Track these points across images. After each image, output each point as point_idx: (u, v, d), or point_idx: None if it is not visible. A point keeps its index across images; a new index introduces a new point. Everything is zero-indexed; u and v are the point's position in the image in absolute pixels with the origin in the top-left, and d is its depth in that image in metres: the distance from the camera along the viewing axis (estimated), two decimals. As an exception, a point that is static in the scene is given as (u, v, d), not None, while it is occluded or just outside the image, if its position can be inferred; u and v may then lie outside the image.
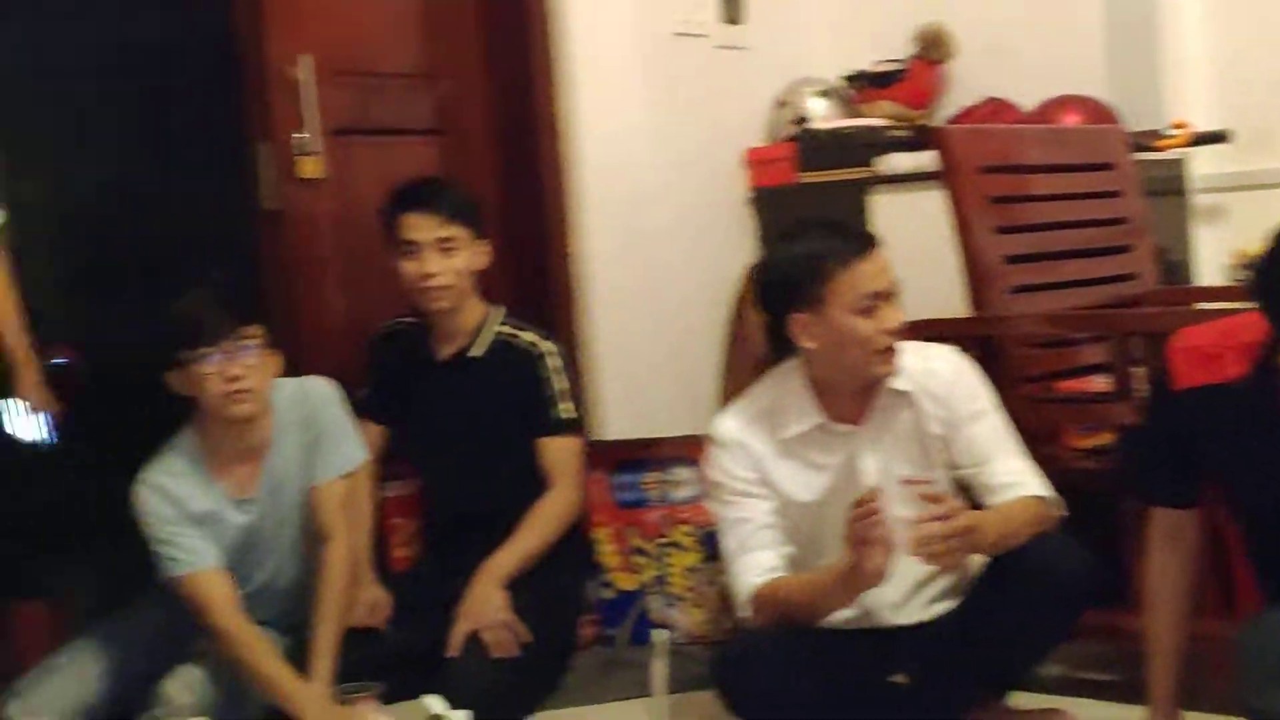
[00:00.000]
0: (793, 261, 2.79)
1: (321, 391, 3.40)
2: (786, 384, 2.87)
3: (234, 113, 4.02)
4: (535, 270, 4.02)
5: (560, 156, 4.07)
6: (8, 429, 3.52)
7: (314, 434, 3.35)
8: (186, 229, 5.17)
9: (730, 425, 2.87)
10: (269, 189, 3.79)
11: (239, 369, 3.18)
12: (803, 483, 2.83)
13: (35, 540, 3.64)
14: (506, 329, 3.54)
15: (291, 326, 3.72)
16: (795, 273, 2.76)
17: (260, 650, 3.16)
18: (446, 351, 3.53)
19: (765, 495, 2.82)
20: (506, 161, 4.12)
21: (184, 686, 3.19)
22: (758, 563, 2.76)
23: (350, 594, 3.32)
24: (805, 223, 2.94)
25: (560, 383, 3.50)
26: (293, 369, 3.43)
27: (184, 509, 3.26)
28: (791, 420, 2.83)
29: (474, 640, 3.25)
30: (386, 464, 3.61)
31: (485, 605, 3.28)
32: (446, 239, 3.44)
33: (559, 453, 3.47)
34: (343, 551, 3.28)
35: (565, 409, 3.49)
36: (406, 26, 4.07)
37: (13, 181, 5.02)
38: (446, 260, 3.43)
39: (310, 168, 3.80)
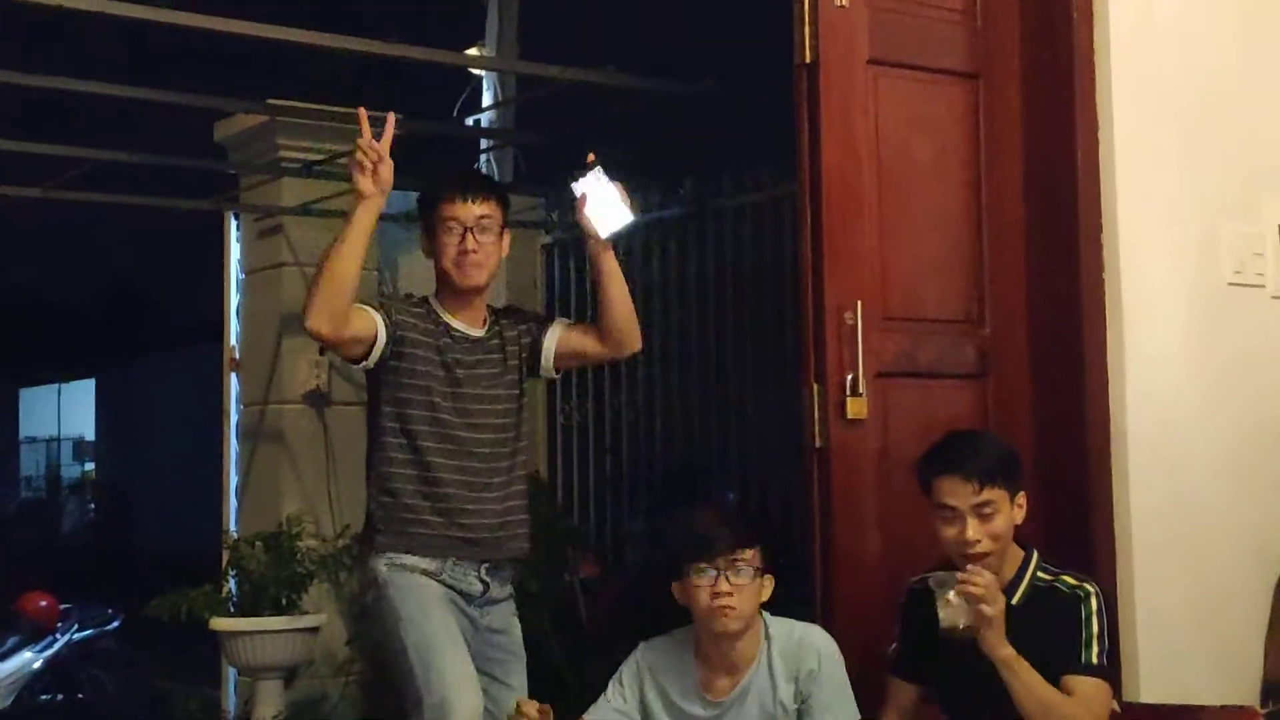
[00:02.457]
0: None
1: (821, 644, 3.49)
2: None
3: (779, 352, 4.28)
4: (1074, 518, 3.98)
5: (1105, 405, 4.05)
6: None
7: (808, 687, 3.44)
8: (726, 454, 5.49)
9: None
10: (820, 429, 3.91)
11: (729, 587, 3.40)
12: None
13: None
14: (1045, 577, 3.47)
15: (826, 565, 3.84)
16: None
17: None
18: None
19: None
20: (1048, 406, 4.12)
21: None
22: None
23: None
24: None
25: (1097, 625, 3.38)
26: (820, 602, 3.64)
27: (659, 688, 3.55)
28: None
29: None
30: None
31: None
32: (982, 504, 3.40)
33: (1084, 690, 3.33)
34: None
35: (1096, 653, 3.36)
36: (954, 274, 4.17)
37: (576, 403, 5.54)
38: (984, 525, 3.38)
39: (856, 408, 3.90)
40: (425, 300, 3.77)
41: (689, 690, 3.58)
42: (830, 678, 3.46)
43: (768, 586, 3.53)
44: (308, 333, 3.56)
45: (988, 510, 3.40)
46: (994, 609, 3.26)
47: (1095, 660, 3.37)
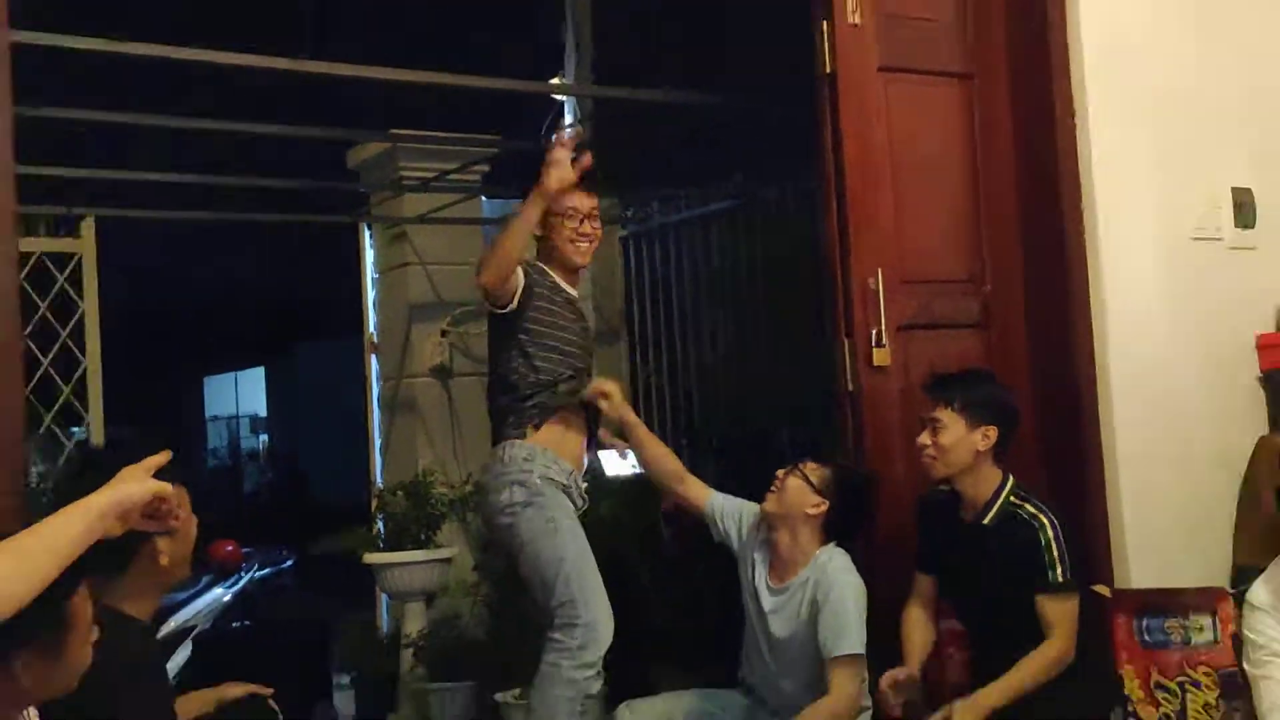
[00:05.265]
0: None
1: (837, 575, 3.49)
2: None
3: (815, 315, 4.30)
4: (1069, 438, 3.97)
5: (1090, 343, 4.05)
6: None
7: (820, 606, 3.45)
8: (781, 404, 5.53)
9: (1265, 593, 2.77)
10: (851, 375, 3.95)
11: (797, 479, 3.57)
12: None
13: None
14: (1015, 502, 3.49)
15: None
16: None
17: None
18: (969, 517, 3.54)
19: None
20: (1042, 347, 4.11)
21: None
22: None
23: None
24: None
25: (1056, 550, 3.40)
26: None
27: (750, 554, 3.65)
28: None
29: None
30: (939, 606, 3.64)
31: None
32: (933, 419, 3.49)
33: (1054, 611, 3.38)
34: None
35: (1060, 573, 3.39)
36: (958, 242, 4.17)
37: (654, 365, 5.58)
38: (931, 436, 3.48)
39: (880, 357, 3.93)
40: (539, 266, 3.80)
41: (763, 565, 3.65)
42: (836, 604, 3.44)
43: (819, 505, 3.55)
44: (479, 286, 3.66)
45: (937, 425, 3.47)
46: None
47: (1060, 579, 3.39)
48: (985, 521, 3.48)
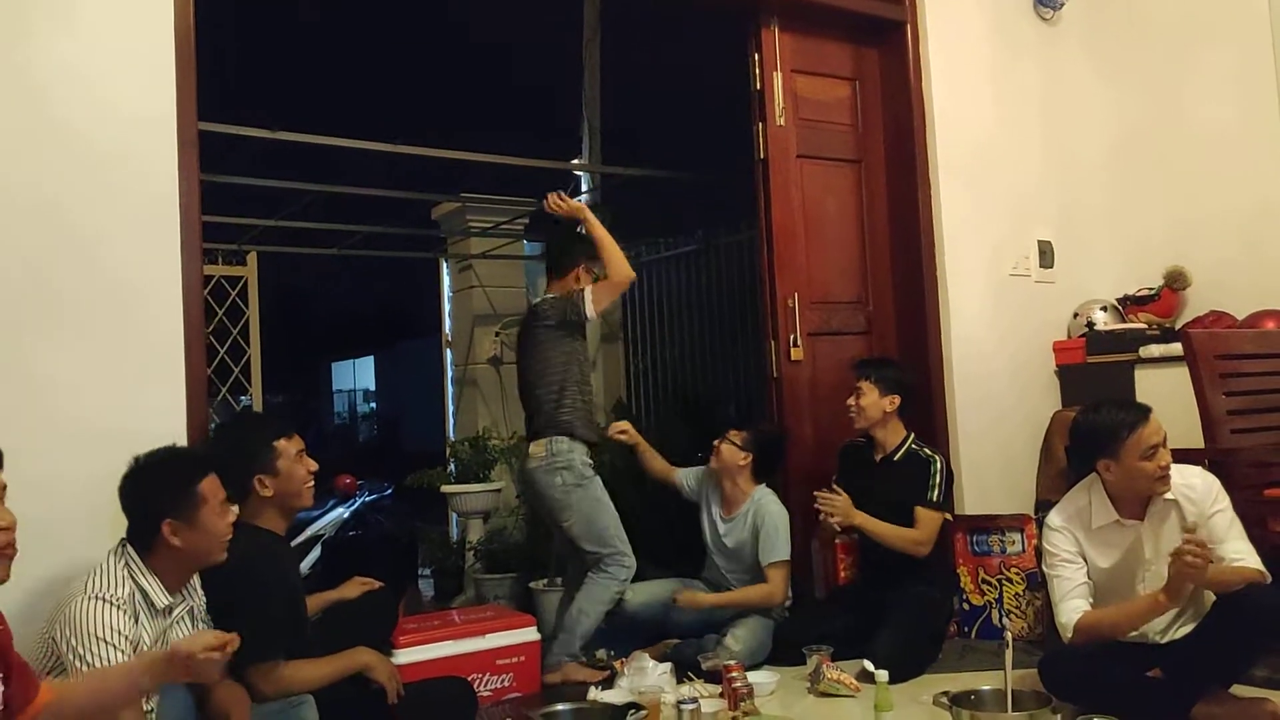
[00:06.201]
0: (1100, 426, 2.67)
1: (767, 505, 3.49)
2: (1092, 493, 2.76)
3: (753, 324, 4.28)
4: (924, 412, 3.95)
5: (940, 345, 4.07)
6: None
7: (758, 529, 3.44)
8: (729, 385, 5.53)
9: (1058, 518, 2.78)
10: (776, 366, 3.95)
11: (729, 448, 3.52)
12: (1103, 555, 2.74)
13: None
14: (915, 447, 3.51)
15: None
16: (1101, 434, 2.66)
17: None
18: (879, 456, 3.53)
19: (1079, 563, 2.73)
20: (907, 348, 4.11)
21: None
22: (1075, 606, 2.67)
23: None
24: (1103, 400, 2.77)
25: (938, 479, 3.42)
26: (781, 464, 3.65)
27: (707, 494, 3.60)
28: (1097, 517, 2.74)
29: (887, 625, 3.21)
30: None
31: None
32: (857, 387, 3.49)
33: (925, 518, 3.40)
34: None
35: (935, 495, 3.42)
36: (850, 275, 4.16)
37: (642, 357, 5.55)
38: (855, 400, 3.49)
39: (796, 354, 3.94)
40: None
41: (715, 503, 3.63)
42: (769, 527, 3.45)
43: (745, 457, 3.54)
44: (625, 285, 3.43)
45: (859, 393, 3.49)
46: (842, 517, 3.34)
47: (934, 498, 3.42)
48: (895, 459, 3.48)
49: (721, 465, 3.55)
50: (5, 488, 1.85)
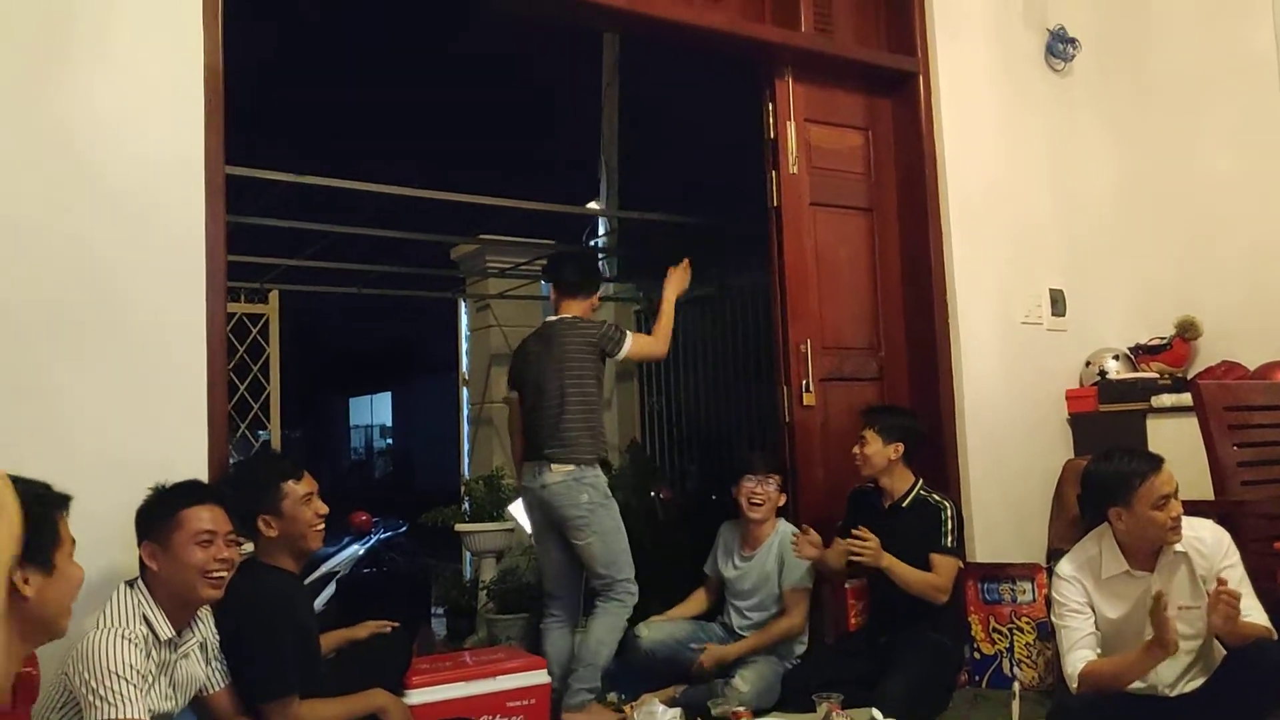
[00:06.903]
0: (1112, 474, 2.67)
1: (784, 531, 3.54)
2: (1102, 543, 2.74)
3: (766, 369, 4.29)
4: (934, 459, 3.95)
5: (952, 392, 4.07)
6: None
7: (783, 560, 3.51)
8: (741, 427, 5.54)
9: (1068, 567, 2.76)
10: (788, 411, 3.96)
11: (761, 490, 3.52)
12: (1112, 606, 2.71)
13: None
14: (924, 494, 3.48)
15: (794, 485, 3.86)
16: (1113, 483, 2.65)
17: None
18: (888, 503, 3.51)
19: (1088, 614, 2.71)
20: (918, 395, 4.12)
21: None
22: (1081, 656, 2.65)
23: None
24: (1115, 449, 2.75)
25: (950, 525, 3.40)
26: (792, 507, 3.67)
27: (725, 544, 3.64)
28: (1107, 567, 2.72)
29: (898, 672, 3.18)
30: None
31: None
32: (863, 437, 3.48)
33: (942, 564, 3.38)
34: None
35: (950, 542, 3.39)
36: (862, 322, 4.17)
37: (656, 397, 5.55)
38: (859, 449, 3.46)
39: (808, 399, 3.94)
40: None
41: (734, 548, 3.66)
42: (792, 558, 3.48)
43: (782, 498, 3.62)
44: (658, 356, 3.62)
45: (863, 440, 3.48)
46: (872, 560, 3.29)
47: (949, 545, 3.39)
48: (903, 505, 3.46)
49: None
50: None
